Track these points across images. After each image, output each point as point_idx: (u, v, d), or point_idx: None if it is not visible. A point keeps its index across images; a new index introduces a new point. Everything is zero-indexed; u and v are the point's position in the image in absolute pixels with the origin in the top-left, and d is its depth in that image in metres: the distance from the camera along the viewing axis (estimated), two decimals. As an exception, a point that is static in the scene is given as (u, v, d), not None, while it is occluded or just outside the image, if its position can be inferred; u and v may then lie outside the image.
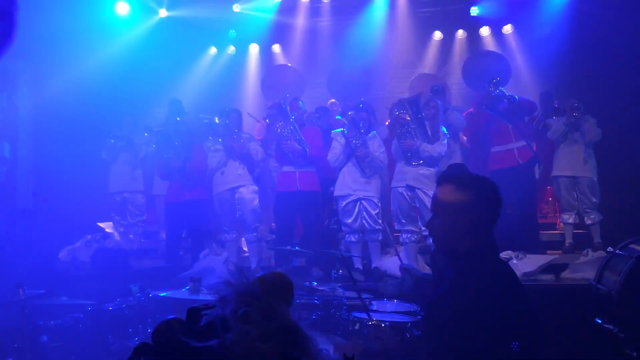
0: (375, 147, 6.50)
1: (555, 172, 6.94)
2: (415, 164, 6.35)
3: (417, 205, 6.30)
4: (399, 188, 6.41)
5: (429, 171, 6.27)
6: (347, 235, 6.61)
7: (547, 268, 6.32)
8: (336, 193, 6.62)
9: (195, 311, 0.94)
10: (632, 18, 7.09)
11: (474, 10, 8.99)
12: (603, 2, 7.31)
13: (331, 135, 6.73)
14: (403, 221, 6.44)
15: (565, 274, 6.26)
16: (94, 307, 4.28)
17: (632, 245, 4.76)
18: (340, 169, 6.60)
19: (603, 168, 6.81)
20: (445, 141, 6.41)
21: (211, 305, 0.95)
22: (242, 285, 0.95)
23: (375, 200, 6.52)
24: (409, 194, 6.33)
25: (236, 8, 9.28)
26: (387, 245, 7.16)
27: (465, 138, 7.81)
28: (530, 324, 2.13)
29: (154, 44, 9.14)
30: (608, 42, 7.20)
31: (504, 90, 6.82)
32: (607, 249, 5.07)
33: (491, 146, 7.00)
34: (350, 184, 6.50)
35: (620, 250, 4.79)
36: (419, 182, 6.22)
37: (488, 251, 2.22)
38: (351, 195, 6.49)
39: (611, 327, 4.49)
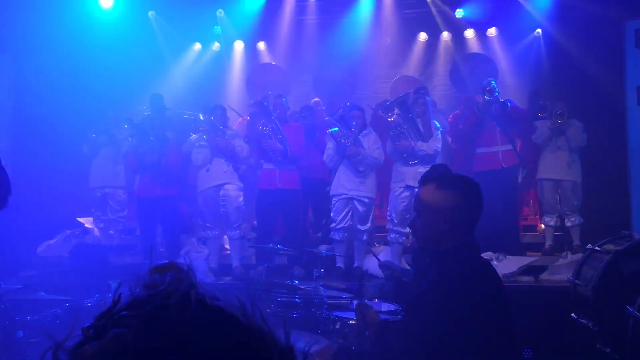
0: (371, 144, 6.49)
1: (539, 175, 6.99)
2: (412, 164, 6.37)
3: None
4: (398, 189, 6.43)
5: (426, 169, 6.28)
6: (332, 233, 6.62)
7: (527, 269, 6.39)
8: (331, 192, 6.63)
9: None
10: (614, 21, 7.19)
11: (459, 13, 9.04)
12: (586, 4, 7.38)
13: (326, 138, 6.72)
14: (395, 221, 6.45)
15: (544, 276, 6.34)
16: (71, 303, 4.23)
17: (609, 245, 4.87)
18: (336, 169, 6.61)
19: (584, 172, 6.89)
20: (440, 135, 6.44)
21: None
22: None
23: (367, 200, 6.53)
24: (407, 193, 6.34)
25: (220, 13, 9.24)
26: (371, 245, 7.19)
27: (450, 139, 7.85)
28: (510, 322, 2.15)
29: (138, 38, 9.05)
30: (591, 45, 7.28)
31: (498, 96, 6.85)
32: (587, 247, 5.17)
33: (477, 147, 7.04)
34: (344, 184, 6.51)
35: (598, 247, 4.90)
36: (418, 181, 6.22)
37: (470, 250, 2.24)
38: (344, 194, 6.50)
39: (585, 321, 4.59)
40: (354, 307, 3.14)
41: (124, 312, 0.78)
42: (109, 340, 0.75)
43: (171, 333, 0.76)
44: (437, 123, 6.58)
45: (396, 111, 6.51)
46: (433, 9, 9.02)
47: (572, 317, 4.85)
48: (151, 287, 0.80)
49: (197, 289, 0.80)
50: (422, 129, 6.41)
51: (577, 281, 4.90)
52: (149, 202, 6.98)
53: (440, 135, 6.47)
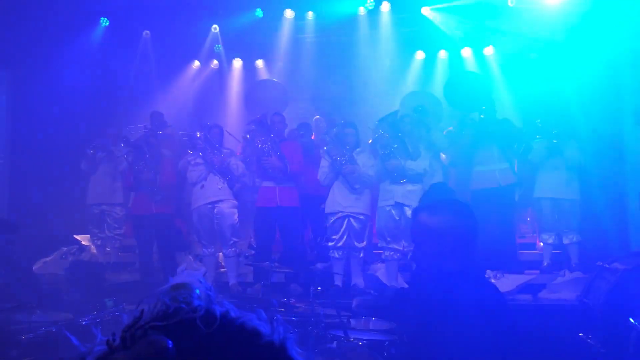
0: (365, 161, 6.52)
1: (537, 194, 7.00)
2: (401, 182, 6.39)
3: (404, 223, 6.30)
4: (386, 207, 6.43)
5: (415, 187, 6.32)
6: (330, 251, 6.60)
7: (525, 288, 6.35)
8: (327, 210, 6.62)
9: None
10: (611, 42, 7.24)
11: (458, 33, 9.12)
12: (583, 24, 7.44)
13: (320, 153, 6.74)
14: (388, 239, 6.45)
15: (543, 294, 6.30)
16: (66, 322, 4.20)
17: (618, 262, 4.84)
18: (331, 186, 6.61)
19: (582, 191, 6.89)
20: (426, 155, 6.48)
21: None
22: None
23: (363, 217, 6.53)
24: (396, 211, 6.35)
25: (215, 29, 9.31)
26: (367, 262, 7.16)
27: (444, 156, 7.86)
28: (514, 341, 2.15)
29: (139, 55, 9.12)
30: (588, 65, 7.33)
31: (495, 115, 6.91)
32: (597, 263, 5.13)
33: (474, 165, 7.06)
34: (340, 201, 6.51)
35: (608, 265, 4.86)
36: (407, 198, 6.25)
37: (472, 271, 2.25)
38: (340, 212, 6.50)
39: (592, 342, 4.54)
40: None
41: (153, 324, 0.83)
42: (144, 347, 0.81)
43: (199, 344, 0.82)
44: (445, 139, 6.67)
45: (385, 129, 6.57)
46: (433, 26, 9.07)
47: (580, 336, 4.80)
48: (177, 301, 0.85)
49: (220, 305, 0.86)
50: (410, 148, 6.45)
51: (585, 300, 4.86)
52: (144, 219, 6.97)
53: (427, 155, 6.51)
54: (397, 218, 6.38)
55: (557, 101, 7.67)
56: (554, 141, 6.74)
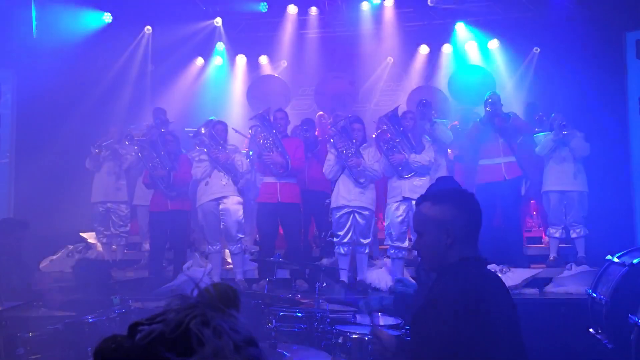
0: (371, 156, 6.52)
1: (545, 188, 6.96)
2: (408, 177, 6.38)
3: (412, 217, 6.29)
4: (395, 203, 6.42)
5: (422, 181, 6.32)
6: (336, 247, 6.60)
7: (531, 282, 6.35)
8: (332, 205, 6.61)
9: (136, 325, 0.92)
10: (615, 32, 7.21)
11: (460, 27, 9.08)
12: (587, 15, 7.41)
13: (327, 147, 6.74)
14: (394, 236, 6.44)
15: (549, 288, 6.29)
16: (73, 319, 4.21)
17: (627, 257, 4.82)
18: (336, 180, 6.60)
19: (588, 183, 6.87)
20: (430, 147, 6.47)
21: (156, 318, 0.90)
22: (199, 297, 0.94)
23: (368, 212, 6.51)
24: (404, 206, 6.34)
25: (217, 23, 9.31)
26: (373, 258, 7.15)
27: (450, 151, 7.84)
28: (519, 336, 2.12)
29: (141, 53, 9.12)
30: (593, 56, 7.29)
31: (501, 109, 6.89)
32: (605, 258, 5.11)
33: (479, 159, 7.04)
34: (344, 195, 6.51)
35: (617, 259, 4.85)
36: (414, 193, 6.24)
37: (476, 262, 2.22)
38: (345, 207, 6.49)
39: (600, 337, 4.53)
40: (369, 334, 3.26)
41: (150, 318, 0.91)
42: (107, 338, 0.90)
43: (149, 345, 0.86)
44: (427, 137, 6.67)
45: (387, 125, 6.57)
46: (437, 20, 9.04)
47: (588, 331, 4.79)
48: (183, 307, 0.92)
49: (203, 313, 0.89)
50: (413, 142, 6.45)
51: (594, 294, 4.84)
52: (160, 216, 6.98)
53: (431, 148, 6.49)
54: (405, 215, 6.36)
55: (561, 93, 7.64)
56: (564, 132, 6.71)
